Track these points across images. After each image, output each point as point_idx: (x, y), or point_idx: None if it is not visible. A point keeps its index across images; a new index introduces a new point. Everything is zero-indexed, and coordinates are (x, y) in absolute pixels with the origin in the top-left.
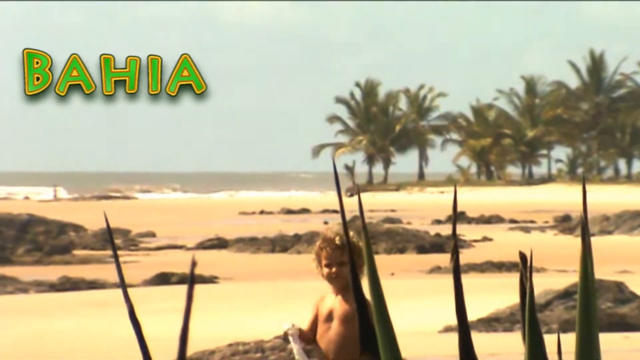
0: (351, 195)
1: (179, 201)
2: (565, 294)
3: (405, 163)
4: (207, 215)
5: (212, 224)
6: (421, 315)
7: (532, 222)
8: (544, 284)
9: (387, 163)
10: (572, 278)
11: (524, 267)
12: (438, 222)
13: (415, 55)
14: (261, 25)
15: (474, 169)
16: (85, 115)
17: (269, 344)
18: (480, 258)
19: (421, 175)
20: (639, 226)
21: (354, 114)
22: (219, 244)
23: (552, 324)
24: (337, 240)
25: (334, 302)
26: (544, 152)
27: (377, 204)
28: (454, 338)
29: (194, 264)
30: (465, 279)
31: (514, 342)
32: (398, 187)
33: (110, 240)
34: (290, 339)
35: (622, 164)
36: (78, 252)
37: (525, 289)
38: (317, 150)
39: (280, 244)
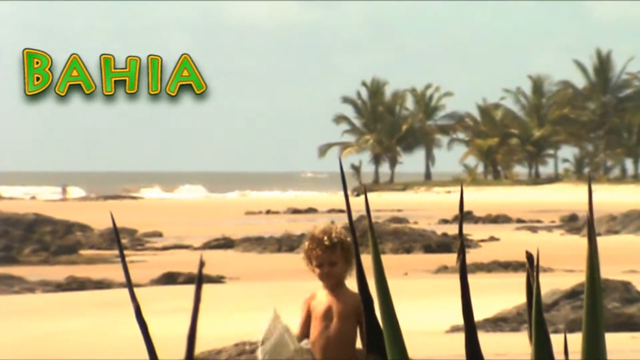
0: (358, 194)
1: (185, 201)
2: (572, 294)
3: (411, 163)
4: (213, 215)
5: (218, 223)
6: (428, 315)
7: (539, 221)
8: (550, 284)
9: (393, 163)
10: (579, 278)
11: (530, 266)
12: (445, 221)
13: (422, 54)
14: (268, 26)
15: (480, 169)
16: (104, 116)
17: None
18: (487, 258)
19: (428, 174)
20: None
21: (360, 114)
22: (226, 243)
23: (558, 324)
24: (327, 241)
25: (330, 300)
26: (551, 151)
27: (384, 203)
28: (460, 338)
29: (202, 264)
30: (472, 278)
31: (520, 342)
32: (404, 187)
33: (117, 240)
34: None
35: (629, 163)
36: (85, 252)
37: (532, 288)
38: (323, 150)
39: (287, 244)
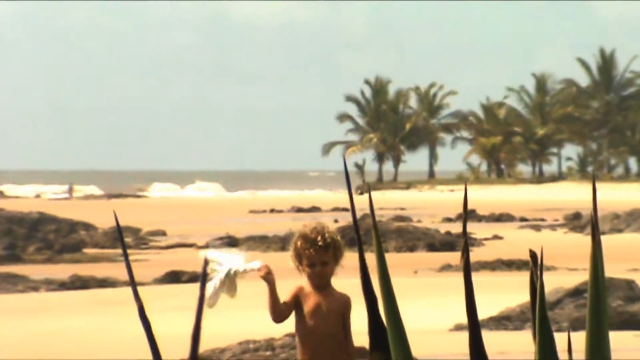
0: (361, 193)
1: (190, 199)
2: (576, 292)
3: (415, 161)
4: (217, 214)
5: (222, 222)
6: (432, 314)
7: (543, 220)
8: (554, 282)
9: (397, 161)
10: (583, 276)
11: (534, 265)
12: (448, 220)
13: (425, 53)
14: (272, 25)
15: (484, 167)
16: (117, 114)
17: (279, 342)
18: (490, 256)
19: (431, 173)
20: None
21: (364, 112)
22: (230, 242)
23: (562, 323)
24: (320, 241)
25: (318, 298)
26: (554, 150)
27: (387, 202)
28: (464, 336)
29: (206, 263)
30: (476, 277)
31: (524, 341)
32: (408, 185)
33: (120, 238)
34: (244, 267)
35: (632, 162)
36: (88, 251)
37: (536, 287)
38: (327, 149)
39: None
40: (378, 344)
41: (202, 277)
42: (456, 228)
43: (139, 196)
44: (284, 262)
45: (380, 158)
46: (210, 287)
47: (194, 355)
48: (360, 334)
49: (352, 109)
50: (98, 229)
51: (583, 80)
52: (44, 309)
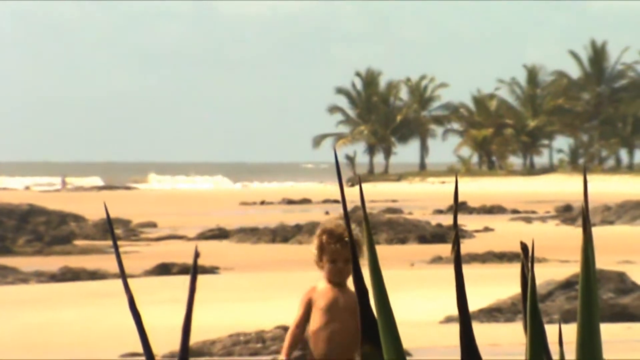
0: (352, 185)
1: (180, 191)
2: (567, 284)
3: (406, 153)
4: (208, 206)
5: (213, 214)
6: (422, 306)
7: (534, 212)
8: (545, 274)
9: (388, 153)
10: (574, 268)
11: (525, 257)
12: (439, 212)
13: (416, 45)
14: (261, 16)
15: (475, 159)
16: (116, 106)
17: (270, 334)
18: (481, 248)
19: (422, 165)
20: None
21: (354, 104)
22: (220, 234)
23: (553, 315)
24: (346, 237)
25: (335, 294)
26: (546, 142)
27: (378, 194)
28: (455, 328)
29: (196, 255)
30: (467, 269)
31: (515, 333)
32: (399, 177)
33: (110, 230)
34: None
35: (623, 154)
36: (79, 243)
37: (527, 279)
38: (318, 141)
39: (281, 234)
40: (369, 337)
41: (192, 269)
42: (447, 220)
43: (129, 188)
44: (274, 254)
45: (371, 150)
46: None
47: (184, 348)
48: None
49: (343, 101)
50: (88, 220)
51: (574, 72)
52: (34, 301)
